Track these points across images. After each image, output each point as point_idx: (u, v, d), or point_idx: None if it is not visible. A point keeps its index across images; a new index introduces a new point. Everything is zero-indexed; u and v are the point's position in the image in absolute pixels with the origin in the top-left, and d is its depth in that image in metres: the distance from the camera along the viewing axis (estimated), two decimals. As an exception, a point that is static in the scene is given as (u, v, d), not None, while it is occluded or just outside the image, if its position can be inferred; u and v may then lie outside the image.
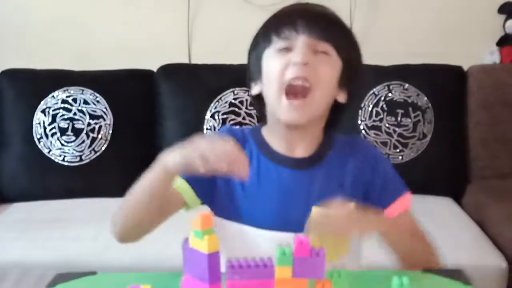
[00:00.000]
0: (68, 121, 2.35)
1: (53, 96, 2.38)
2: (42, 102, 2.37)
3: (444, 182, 2.37)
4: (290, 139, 1.10)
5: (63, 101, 2.37)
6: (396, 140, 2.33)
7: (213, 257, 0.81)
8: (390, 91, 2.37)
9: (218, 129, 2.28)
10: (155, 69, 2.48)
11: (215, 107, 2.36)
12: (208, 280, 0.82)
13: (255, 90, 1.13)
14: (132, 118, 2.43)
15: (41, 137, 2.35)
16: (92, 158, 2.35)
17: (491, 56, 2.62)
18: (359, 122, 2.35)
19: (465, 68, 2.47)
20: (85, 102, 2.37)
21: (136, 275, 1.12)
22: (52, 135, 2.35)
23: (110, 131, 2.37)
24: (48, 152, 2.34)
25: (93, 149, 2.35)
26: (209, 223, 0.82)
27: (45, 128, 2.35)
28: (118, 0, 2.65)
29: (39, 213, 2.18)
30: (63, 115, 2.36)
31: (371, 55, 2.51)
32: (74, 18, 2.65)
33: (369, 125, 2.35)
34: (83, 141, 2.35)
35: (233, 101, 2.35)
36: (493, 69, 2.51)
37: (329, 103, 1.09)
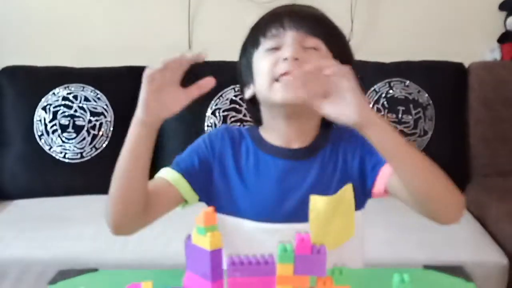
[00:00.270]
0: (69, 118, 2.35)
1: (53, 93, 2.38)
2: (43, 99, 2.37)
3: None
4: (288, 132, 1.10)
5: (64, 98, 2.37)
6: (397, 137, 2.32)
7: (215, 254, 0.81)
8: (391, 88, 2.37)
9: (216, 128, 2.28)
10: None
11: (216, 104, 2.36)
12: (211, 277, 0.82)
13: (248, 93, 1.13)
14: (133, 115, 2.41)
15: (42, 134, 2.35)
16: (93, 155, 2.35)
17: (492, 53, 2.62)
18: (360, 119, 2.34)
19: (466, 65, 2.47)
20: (86, 99, 2.37)
21: (137, 272, 1.12)
22: (53, 132, 2.35)
23: (111, 128, 2.37)
24: (49, 149, 2.34)
25: (94, 146, 2.35)
26: (212, 220, 0.82)
27: (46, 125, 2.35)
28: (119, -3, 2.65)
29: (40, 210, 2.18)
30: (64, 112, 2.36)
31: (372, 52, 2.52)
32: (75, 15, 2.64)
33: (370, 122, 2.34)
34: (84, 138, 2.35)
35: (234, 98, 2.35)
36: (494, 66, 2.51)
37: None
